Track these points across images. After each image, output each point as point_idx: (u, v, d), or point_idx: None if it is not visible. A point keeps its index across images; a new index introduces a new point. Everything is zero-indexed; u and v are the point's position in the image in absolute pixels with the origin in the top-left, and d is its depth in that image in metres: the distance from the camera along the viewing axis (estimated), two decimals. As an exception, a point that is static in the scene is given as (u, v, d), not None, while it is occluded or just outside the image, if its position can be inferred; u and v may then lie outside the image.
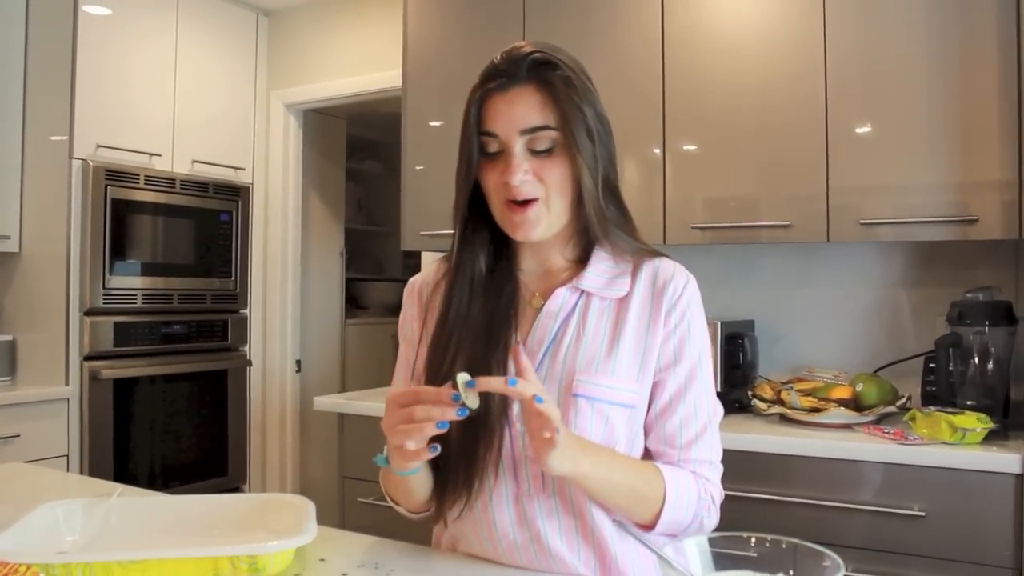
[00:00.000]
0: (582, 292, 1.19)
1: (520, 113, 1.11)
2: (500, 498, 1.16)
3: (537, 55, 1.13)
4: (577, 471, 1.02)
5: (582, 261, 1.21)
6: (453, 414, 0.96)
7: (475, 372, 1.12)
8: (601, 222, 1.16)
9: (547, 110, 1.11)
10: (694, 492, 1.12)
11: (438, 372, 1.16)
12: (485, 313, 1.18)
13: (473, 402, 0.96)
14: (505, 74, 1.12)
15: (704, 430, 1.16)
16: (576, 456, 1.01)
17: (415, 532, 1.34)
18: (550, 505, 1.14)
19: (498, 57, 1.15)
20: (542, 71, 1.12)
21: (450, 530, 1.23)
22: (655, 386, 1.18)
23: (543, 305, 1.19)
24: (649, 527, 1.11)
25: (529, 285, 1.23)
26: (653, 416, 1.17)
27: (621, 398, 1.14)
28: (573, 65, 1.15)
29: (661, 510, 1.09)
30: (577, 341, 1.16)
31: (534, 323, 1.18)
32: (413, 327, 1.28)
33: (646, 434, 1.19)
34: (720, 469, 1.19)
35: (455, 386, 0.96)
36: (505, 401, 1.13)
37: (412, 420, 0.97)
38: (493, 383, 0.95)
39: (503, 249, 1.24)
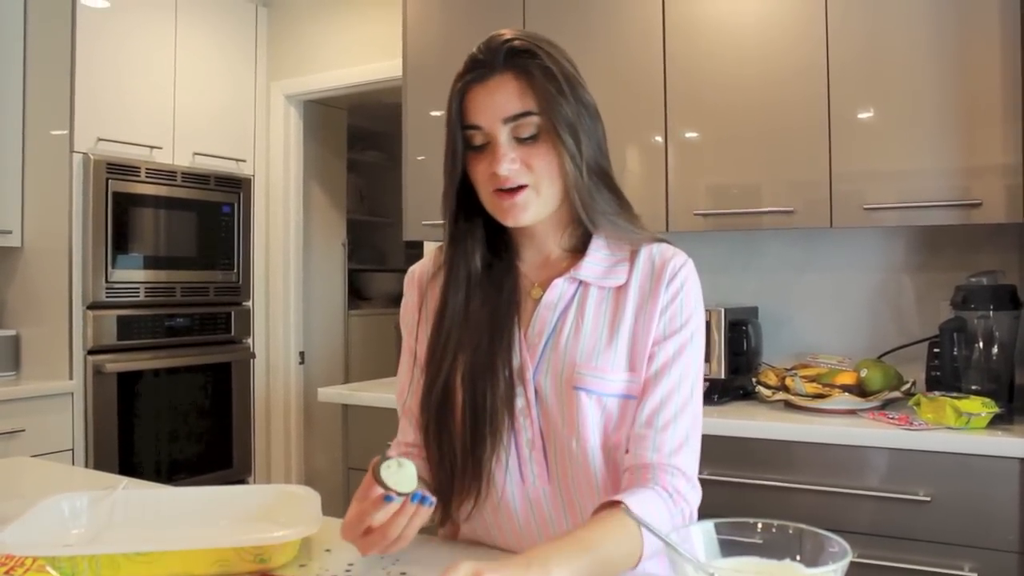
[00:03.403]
0: (580, 282, 1.18)
1: (501, 102, 1.11)
2: (510, 494, 1.16)
3: (516, 43, 1.12)
4: None
5: (580, 250, 1.20)
6: (389, 505, 0.96)
7: (479, 372, 1.12)
8: (588, 209, 1.14)
9: (526, 96, 1.10)
10: (663, 516, 1.04)
11: (438, 373, 1.16)
12: (486, 310, 1.18)
13: (404, 485, 0.96)
14: (483, 64, 1.12)
15: (684, 407, 1.12)
16: None
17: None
18: (555, 498, 1.15)
19: (477, 47, 1.14)
20: (519, 59, 1.11)
21: (461, 529, 1.23)
22: (648, 359, 1.15)
23: (542, 296, 1.19)
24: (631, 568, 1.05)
25: (528, 275, 1.23)
26: (641, 390, 1.14)
27: (621, 389, 1.13)
28: (553, 52, 1.14)
29: (640, 556, 1.01)
30: (576, 332, 1.15)
31: (533, 315, 1.18)
32: (414, 315, 1.28)
33: None
34: (695, 455, 1.13)
35: (380, 480, 0.96)
36: (509, 396, 1.13)
37: (373, 533, 0.99)
38: None
39: (500, 241, 1.24)
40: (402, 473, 0.95)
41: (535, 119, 1.10)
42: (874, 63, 2.24)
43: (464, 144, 1.15)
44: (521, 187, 1.11)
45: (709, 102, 2.48)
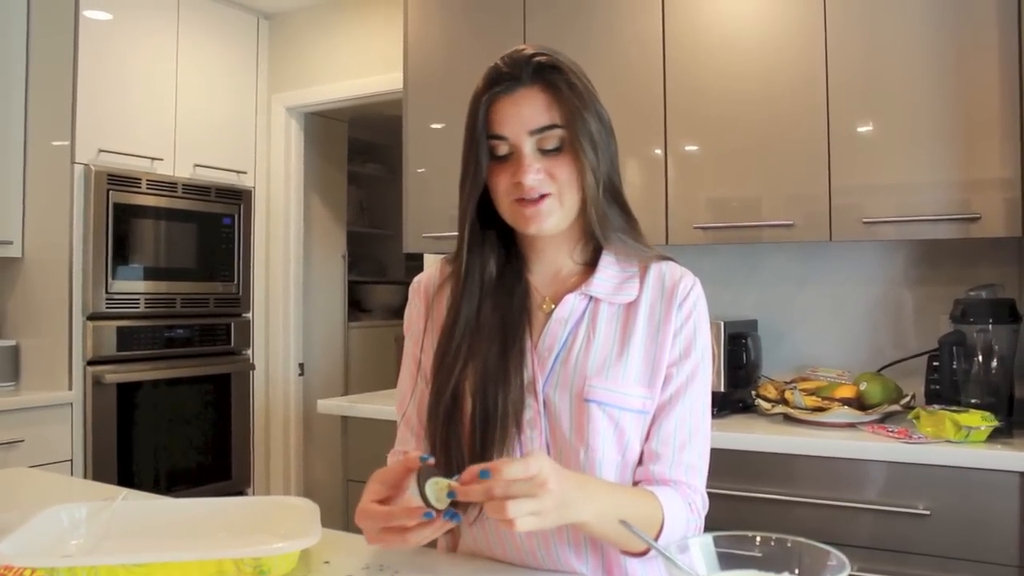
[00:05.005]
0: (591, 298, 1.20)
1: (528, 114, 1.13)
2: None
3: (541, 58, 1.14)
4: (580, 518, 0.98)
5: (591, 264, 1.22)
6: (421, 519, 0.97)
7: (491, 378, 1.12)
8: (603, 224, 1.17)
9: (553, 110, 1.13)
10: (683, 518, 1.11)
11: (448, 380, 1.16)
12: (497, 316, 1.19)
13: (442, 502, 0.96)
14: (510, 77, 1.14)
15: (697, 430, 1.17)
16: (578, 503, 0.97)
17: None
18: None
19: (501, 61, 1.16)
20: (546, 73, 1.14)
21: (463, 541, 1.23)
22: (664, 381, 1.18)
23: (553, 310, 1.20)
24: (636, 555, 1.09)
25: (539, 288, 1.24)
26: (655, 410, 1.17)
27: (633, 404, 1.15)
28: (574, 68, 1.17)
29: (656, 540, 1.06)
30: (587, 347, 1.17)
31: (544, 328, 1.19)
32: (419, 323, 1.29)
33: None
34: (705, 475, 1.19)
35: (425, 497, 0.96)
36: (519, 406, 1.14)
37: (391, 530, 0.99)
38: (472, 493, 0.92)
39: (511, 253, 1.25)
40: (440, 487, 0.96)
41: (559, 132, 1.13)
42: (873, 77, 2.25)
43: (487, 154, 1.16)
44: (544, 196, 1.13)
45: (709, 115, 2.48)
